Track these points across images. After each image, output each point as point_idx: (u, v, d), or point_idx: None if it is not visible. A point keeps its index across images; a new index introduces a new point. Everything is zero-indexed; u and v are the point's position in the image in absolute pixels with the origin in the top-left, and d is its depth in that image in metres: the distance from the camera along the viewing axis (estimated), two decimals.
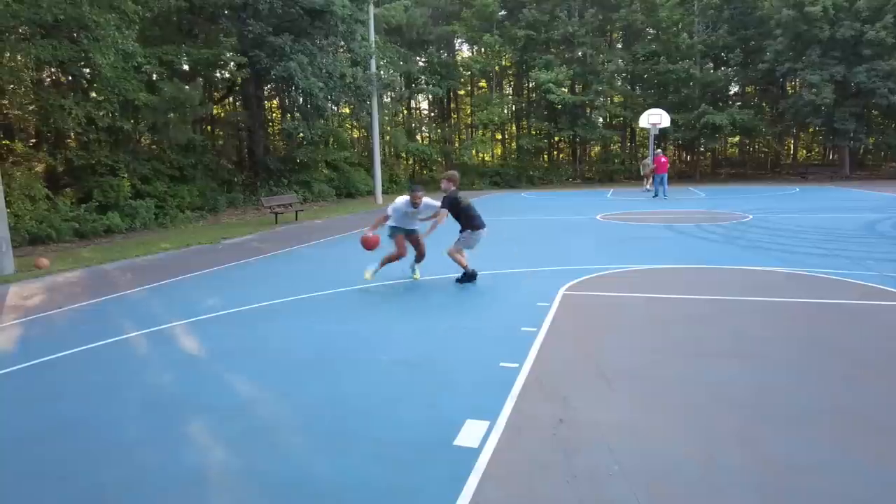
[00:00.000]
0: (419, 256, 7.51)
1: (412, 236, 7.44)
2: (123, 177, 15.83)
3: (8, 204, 10.50)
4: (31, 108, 14.34)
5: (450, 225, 7.20)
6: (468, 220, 7.06)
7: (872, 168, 34.38)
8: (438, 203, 7.19)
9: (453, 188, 7.16)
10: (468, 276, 7.06)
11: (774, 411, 3.42)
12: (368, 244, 7.18)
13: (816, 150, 40.79)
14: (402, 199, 7.24)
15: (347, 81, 21.47)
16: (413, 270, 7.57)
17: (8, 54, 13.30)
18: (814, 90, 27.43)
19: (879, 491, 2.61)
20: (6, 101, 13.95)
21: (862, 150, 33.73)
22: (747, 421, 3.30)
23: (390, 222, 7.39)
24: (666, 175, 21.49)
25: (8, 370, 4.63)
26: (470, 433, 3.21)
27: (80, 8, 12.20)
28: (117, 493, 2.79)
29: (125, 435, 3.40)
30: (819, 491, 2.61)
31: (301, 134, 21.84)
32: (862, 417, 3.31)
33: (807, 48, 28.04)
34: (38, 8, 11.80)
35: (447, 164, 36.53)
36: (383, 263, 7.37)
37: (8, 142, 14.42)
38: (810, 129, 34.80)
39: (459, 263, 7.04)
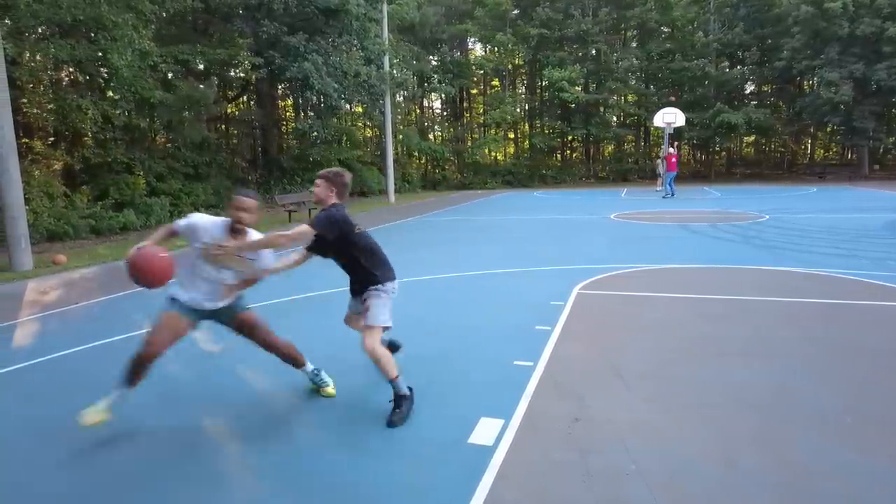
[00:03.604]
0: (285, 357, 3.71)
1: (231, 315, 3.52)
2: (139, 175, 16.02)
3: (27, 201, 10.65)
4: (49, 107, 14.54)
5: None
6: (374, 264, 3.57)
7: (892, 168, 33.82)
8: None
9: (333, 201, 3.54)
10: (401, 399, 3.42)
11: (792, 412, 3.36)
12: (150, 271, 3.20)
13: (834, 149, 40.19)
14: (206, 220, 3.40)
15: (361, 80, 21.53)
16: (317, 377, 3.82)
17: (28, 54, 13.49)
18: (832, 88, 27.02)
19: None
20: (25, 101, 14.15)
21: (882, 150, 33.21)
22: (765, 422, 3.25)
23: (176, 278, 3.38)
24: (674, 174, 21.23)
25: (25, 364, 4.69)
26: (484, 431, 3.19)
27: (98, 8, 12.35)
28: (133, 486, 2.81)
29: (140, 428, 3.42)
30: (837, 494, 2.56)
31: (315, 133, 21.95)
32: (881, 420, 3.24)
33: (825, 45, 27.64)
34: (58, 9, 11.95)
35: (459, 163, 36.54)
36: (133, 378, 3.28)
37: (27, 140, 14.62)
38: (828, 129, 34.29)
39: (385, 371, 3.39)
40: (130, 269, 3.16)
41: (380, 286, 3.53)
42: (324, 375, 3.86)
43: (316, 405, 3.69)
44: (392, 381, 3.43)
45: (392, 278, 3.62)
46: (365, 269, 3.54)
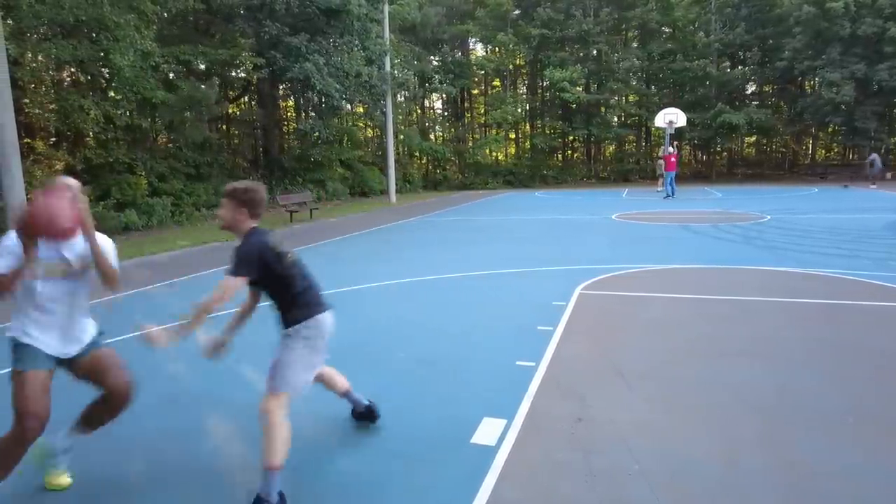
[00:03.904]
0: (114, 402, 2.82)
1: (87, 353, 2.84)
2: (141, 175, 16.04)
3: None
4: (51, 107, 14.58)
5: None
6: (299, 298, 2.77)
7: (893, 168, 33.77)
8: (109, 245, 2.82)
9: (249, 225, 2.70)
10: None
11: (795, 413, 3.36)
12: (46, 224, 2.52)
13: (836, 149, 40.16)
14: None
15: (363, 80, 21.56)
16: (54, 459, 2.81)
17: (30, 55, 13.52)
18: (834, 88, 27.02)
19: None
20: (27, 101, 14.19)
21: (883, 150, 33.18)
22: (768, 422, 3.25)
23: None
24: (674, 174, 21.14)
25: None
26: (487, 431, 3.20)
27: (100, 8, 12.38)
28: (136, 486, 2.82)
29: (144, 429, 3.43)
30: (839, 494, 2.56)
31: (316, 133, 21.99)
32: (884, 420, 3.25)
33: (827, 46, 27.65)
34: (60, 9, 11.99)
35: (460, 163, 36.55)
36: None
37: (29, 140, 14.66)
38: (829, 129, 34.27)
39: (270, 451, 2.61)
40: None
41: (300, 325, 2.73)
42: (58, 464, 2.81)
43: (317, 405, 3.69)
44: (268, 471, 2.52)
45: (318, 313, 2.80)
46: (288, 304, 2.74)
